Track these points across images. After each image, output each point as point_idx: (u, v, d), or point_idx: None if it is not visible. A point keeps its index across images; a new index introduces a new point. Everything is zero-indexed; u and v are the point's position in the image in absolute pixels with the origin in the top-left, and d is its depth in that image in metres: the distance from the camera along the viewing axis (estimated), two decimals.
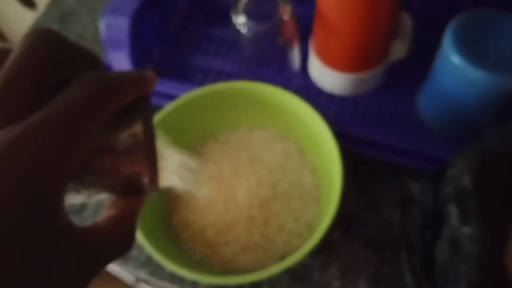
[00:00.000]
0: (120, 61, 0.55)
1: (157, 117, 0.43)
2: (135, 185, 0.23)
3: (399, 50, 0.51)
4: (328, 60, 0.49)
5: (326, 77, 0.51)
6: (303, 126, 0.44)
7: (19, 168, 0.16)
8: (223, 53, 0.57)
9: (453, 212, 0.32)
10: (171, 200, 0.45)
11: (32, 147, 0.17)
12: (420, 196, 0.35)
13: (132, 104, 0.21)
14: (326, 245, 0.45)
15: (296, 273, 0.44)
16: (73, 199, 0.21)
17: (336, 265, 0.44)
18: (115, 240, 0.21)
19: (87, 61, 0.22)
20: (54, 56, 0.20)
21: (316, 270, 0.44)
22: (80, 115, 0.18)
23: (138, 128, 0.22)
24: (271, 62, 0.53)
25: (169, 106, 0.44)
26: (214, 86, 0.45)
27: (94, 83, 0.19)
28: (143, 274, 0.46)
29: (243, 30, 0.47)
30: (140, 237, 0.37)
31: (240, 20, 0.46)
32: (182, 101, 0.44)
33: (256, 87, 0.44)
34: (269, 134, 0.48)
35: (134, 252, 0.47)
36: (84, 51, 0.22)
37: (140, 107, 0.22)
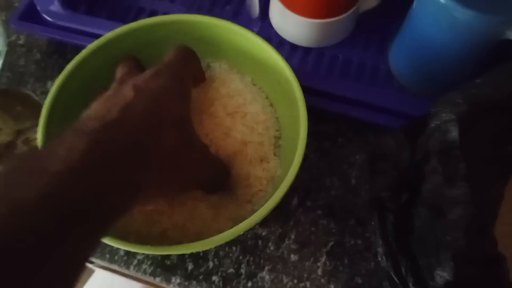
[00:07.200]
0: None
1: (77, 57, 0.35)
2: None
3: None
4: (291, 3, 0.42)
5: (289, 23, 0.44)
6: (270, 75, 0.37)
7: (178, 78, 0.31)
8: None
9: (436, 170, 0.27)
10: None
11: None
12: (394, 152, 0.29)
13: None
14: (283, 214, 0.39)
15: (247, 245, 0.38)
16: None
17: (294, 237, 0.38)
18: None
19: None
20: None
21: (272, 242, 0.38)
22: (182, 63, 0.32)
23: None
24: (225, 5, 0.46)
25: (95, 43, 0.36)
26: (147, 20, 0.36)
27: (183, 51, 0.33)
28: None
29: None
30: None
31: None
32: (110, 36, 0.36)
33: (205, 21, 0.36)
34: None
35: None
36: None
37: None
